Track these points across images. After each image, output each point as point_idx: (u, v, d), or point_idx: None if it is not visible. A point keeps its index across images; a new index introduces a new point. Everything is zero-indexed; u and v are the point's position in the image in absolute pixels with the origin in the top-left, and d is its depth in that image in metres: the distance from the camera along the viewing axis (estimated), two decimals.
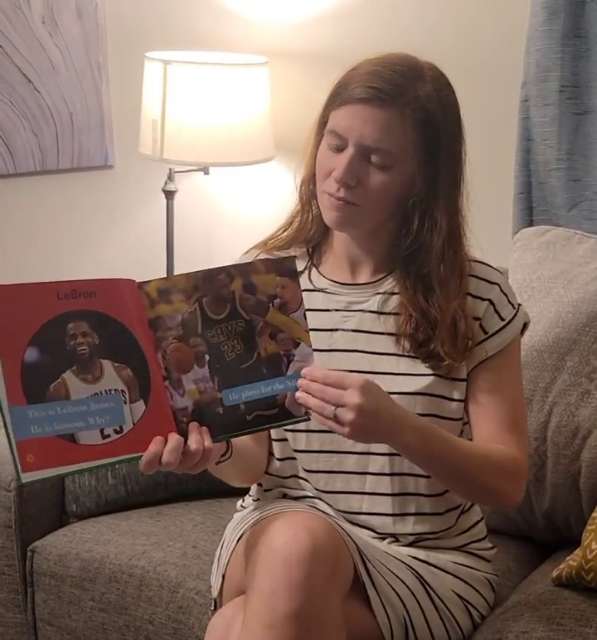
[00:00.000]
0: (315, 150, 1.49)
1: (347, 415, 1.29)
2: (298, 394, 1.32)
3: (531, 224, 2.02)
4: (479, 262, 1.51)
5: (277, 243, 1.55)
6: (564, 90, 1.98)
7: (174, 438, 1.27)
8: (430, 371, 1.46)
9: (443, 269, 1.45)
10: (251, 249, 1.59)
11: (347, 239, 1.51)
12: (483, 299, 1.48)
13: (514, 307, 1.50)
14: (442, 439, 1.40)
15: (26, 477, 1.20)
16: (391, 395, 1.45)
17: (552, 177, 2.00)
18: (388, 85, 1.41)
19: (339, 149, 1.44)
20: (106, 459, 1.25)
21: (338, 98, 1.44)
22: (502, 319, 1.48)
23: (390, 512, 1.49)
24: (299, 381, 1.32)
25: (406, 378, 1.46)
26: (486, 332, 1.47)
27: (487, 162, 2.09)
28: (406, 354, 1.46)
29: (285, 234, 1.55)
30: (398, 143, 1.42)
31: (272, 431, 1.53)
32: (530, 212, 2.04)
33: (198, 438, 1.28)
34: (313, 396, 1.31)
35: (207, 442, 1.29)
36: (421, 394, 1.46)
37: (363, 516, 1.49)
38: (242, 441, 1.45)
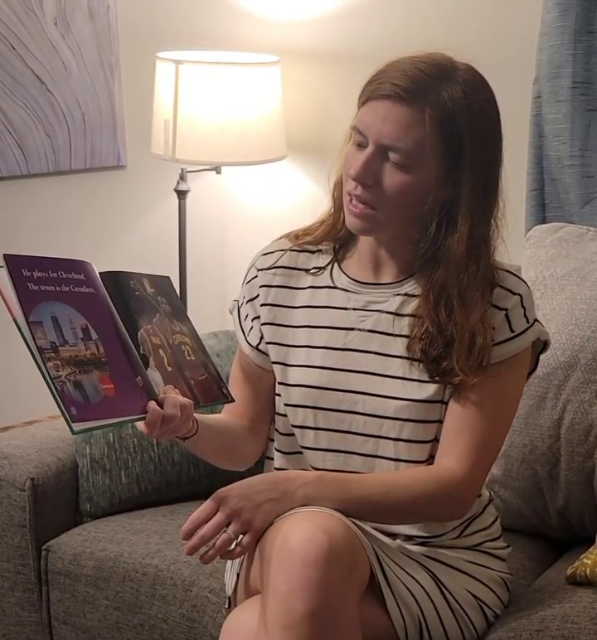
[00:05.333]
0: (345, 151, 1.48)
1: (239, 525, 1.36)
2: (202, 561, 1.39)
3: (543, 221, 2.01)
4: (507, 271, 1.48)
5: (307, 238, 1.55)
6: (576, 87, 1.97)
7: (150, 409, 1.33)
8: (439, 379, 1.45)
9: (465, 279, 1.42)
10: (281, 237, 1.58)
11: (372, 240, 1.49)
12: (501, 309, 1.45)
13: (528, 322, 1.46)
14: (343, 481, 1.41)
15: (77, 427, 1.27)
16: (401, 402, 1.45)
17: (565, 174, 2.00)
18: (410, 83, 1.39)
19: (362, 146, 1.43)
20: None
21: (364, 94, 1.44)
22: (512, 331, 1.45)
23: None
24: (186, 548, 1.40)
25: (416, 384, 1.45)
26: (492, 341, 1.44)
27: None
28: (418, 359, 1.45)
29: (316, 230, 1.55)
30: (416, 143, 1.39)
31: (280, 425, 1.53)
32: (543, 209, 2.03)
33: (171, 399, 1.34)
34: (205, 545, 1.37)
35: (181, 399, 1.34)
36: (430, 401, 1.45)
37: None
38: (222, 421, 1.50)
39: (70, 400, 1.27)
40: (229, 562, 1.54)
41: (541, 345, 1.51)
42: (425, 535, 1.49)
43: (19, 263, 1.30)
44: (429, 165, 1.41)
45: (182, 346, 1.42)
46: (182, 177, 2.31)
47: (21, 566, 1.86)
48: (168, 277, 1.49)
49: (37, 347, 1.27)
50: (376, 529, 1.47)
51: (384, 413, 1.46)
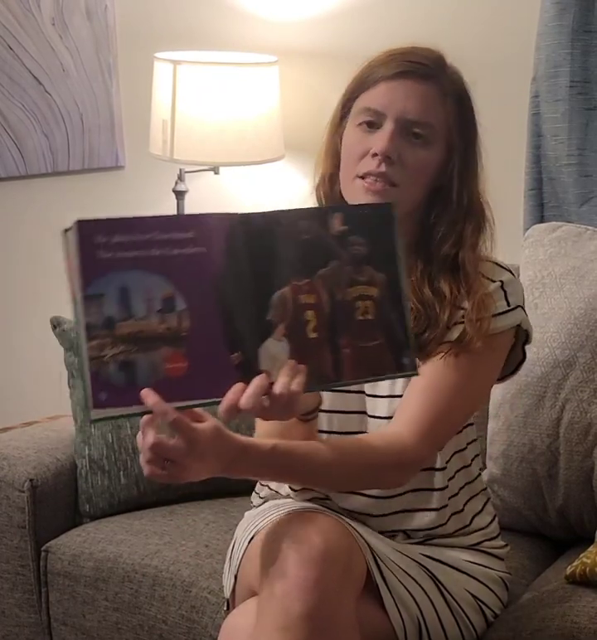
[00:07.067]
0: (332, 146, 1.47)
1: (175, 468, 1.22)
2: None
3: (542, 220, 2.01)
4: (492, 262, 1.48)
5: None
6: (574, 86, 1.97)
7: (254, 383, 1.19)
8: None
9: (473, 257, 1.44)
10: None
11: None
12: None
13: (508, 305, 1.46)
14: (285, 452, 1.30)
15: (96, 414, 1.17)
16: (395, 399, 1.44)
17: (563, 173, 2.00)
18: (428, 61, 1.43)
19: (374, 127, 1.42)
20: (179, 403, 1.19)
21: (369, 79, 1.44)
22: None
23: (399, 510, 1.48)
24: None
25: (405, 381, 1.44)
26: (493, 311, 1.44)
27: (497, 158, 2.08)
28: None
29: None
30: (439, 117, 1.42)
31: None
32: (541, 208, 2.03)
33: (285, 382, 1.19)
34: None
35: (295, 386, 1.19)
36: None
37: (372, 518, 1.49)
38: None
39: (102, 384, 1.16)
40: (226, 565, 1.54)
41: (524, 335, 1.50)
42: (426, 528, 1.49)
43: (94, 228, 1.17)
44: (447, 140, 1.43)
45: (358, 303, 1.22)
46: (181, 178, 2.31)
47: (20, 567, 1.86)
48: (389, 204, 1.27)
49: (85, 324, 1.15)
50: (373, 528, 1.47)
51: (381, 413, 1.46)
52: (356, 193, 1.44)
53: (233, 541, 1.54)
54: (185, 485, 1.93)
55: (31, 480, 1.84)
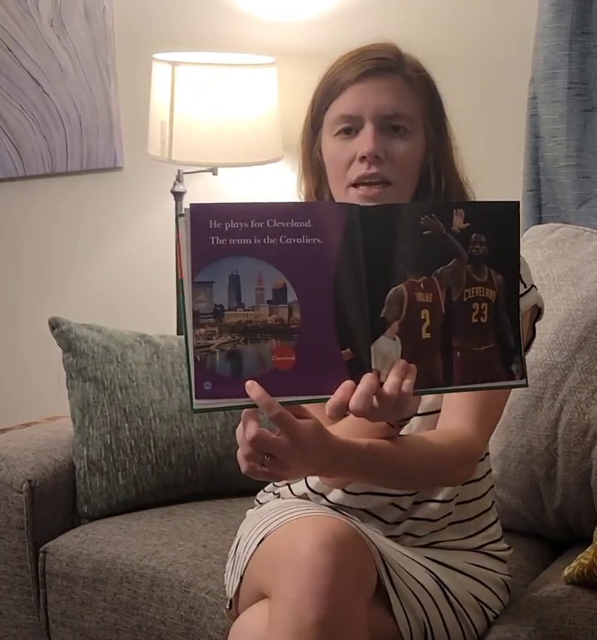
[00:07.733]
0: (311, 162, 1.48)
1: (275, 465, 1.20)
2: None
3: (540, 221, 2.02)
4: None
5: None
6: (572, 87, 1.98)
7: (365, 382, 1.15)
8: None
9: None
10: None
11: None
12: None
13: (525, 286, 1.46)
14: (375, 452, 1.28)
15: (199, 405, 1.14)
16: (429, 396, 1.42)
17: (561, 174, 2.00)
18: (387, 54, 1.43)
19: (353, 132, 1.42)
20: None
21: (335, 87, 1.44)
22: None
23: (413, 501, 1.48)
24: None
25: None
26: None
27: (495, 159, 2.09)
28: None
29: None
30: (412, 107, 1.42)
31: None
32: (539, 209, 2.03)
33: (396, 382, 1.16)
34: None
35: (405, 387, 1.16)
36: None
37: (389, 514, 1.49)
38: None
39: (207, 374, 1.13)
40: (229, 564, 1.54)
41: (536, 312, 1.51)
42: (432, 518, 1.48)
43: (208, 213, 1.14)
44: (423, 129, 1.43)
45: (474, 304, 1.17)
46: (179, 179, 2.31)
47: (18, 568, 1.86)
48: (514, 202, 1.20)
49: (193, 311, 1.13)
50: (381, 532, 1.47)
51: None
52: (352, 201, 1.44)
53: (237, 540, 1.53)
54: (184, 485, 1.94)
55: (29, 481, 1.84)
